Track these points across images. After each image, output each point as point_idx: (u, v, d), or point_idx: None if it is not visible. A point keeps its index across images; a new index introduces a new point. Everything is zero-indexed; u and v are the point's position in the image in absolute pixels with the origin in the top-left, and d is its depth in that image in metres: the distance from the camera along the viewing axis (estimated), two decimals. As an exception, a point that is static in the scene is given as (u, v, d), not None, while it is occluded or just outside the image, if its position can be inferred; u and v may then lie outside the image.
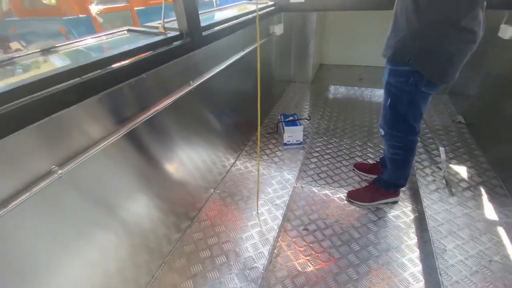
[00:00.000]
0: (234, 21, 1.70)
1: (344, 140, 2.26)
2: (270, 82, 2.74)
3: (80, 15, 4.36)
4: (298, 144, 2.15)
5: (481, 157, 1.88)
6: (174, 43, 1.21)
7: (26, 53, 1.09)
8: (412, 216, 1.54)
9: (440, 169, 1.79)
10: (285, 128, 2.15)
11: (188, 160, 1.45)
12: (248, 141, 2.24)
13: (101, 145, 0.85)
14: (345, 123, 2.51)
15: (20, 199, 0.64)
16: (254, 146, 2.20)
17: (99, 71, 0.86)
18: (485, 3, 1.01)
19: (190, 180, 1.49)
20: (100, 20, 4.60)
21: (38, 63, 1.09)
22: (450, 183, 1.65)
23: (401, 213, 1.57)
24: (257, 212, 1.56)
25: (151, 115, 1.06)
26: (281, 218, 1.51)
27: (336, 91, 3.23)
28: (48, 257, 0.78)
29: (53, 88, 0.73)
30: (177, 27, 1.28)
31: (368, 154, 2.07)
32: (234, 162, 1.99)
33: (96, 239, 0.93)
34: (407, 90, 1.18)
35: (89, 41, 1.33)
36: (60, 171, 0.73)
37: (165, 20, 1.35)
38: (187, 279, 1.24)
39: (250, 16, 1.89)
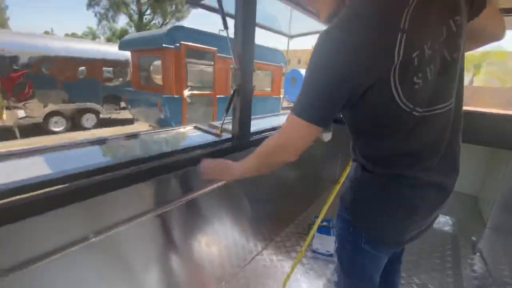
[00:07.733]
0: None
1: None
2: (312, 180, 2.81)
3: (175, 95, 5.62)
4: (328, 255, 2.00)
5: None
6: (225, 143, 1.47)
7: (114, 137, 1.46)
8: None
9: None
10: (316, 234, 2.07)
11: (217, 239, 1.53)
12: (275, 235, 2.20)
13: (135, 221, 1.02)
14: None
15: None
16: (281, 242, 2.14)
17: (157, 161, 1.11)
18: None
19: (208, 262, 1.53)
20: (189, 100, 5.79)
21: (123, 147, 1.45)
22: None
23: None
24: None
25: (188, 200, 1.23)
26: None
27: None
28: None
29: (119, 172, 0.97)
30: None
31: None
32: (255, 256, 1.94)
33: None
34: (348, 240, 0.93)
35: (168, 132, 1.72)
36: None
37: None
38: None
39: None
